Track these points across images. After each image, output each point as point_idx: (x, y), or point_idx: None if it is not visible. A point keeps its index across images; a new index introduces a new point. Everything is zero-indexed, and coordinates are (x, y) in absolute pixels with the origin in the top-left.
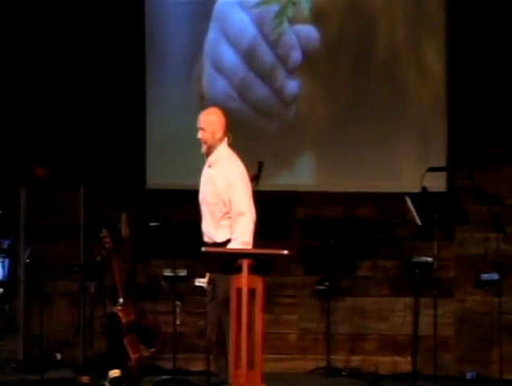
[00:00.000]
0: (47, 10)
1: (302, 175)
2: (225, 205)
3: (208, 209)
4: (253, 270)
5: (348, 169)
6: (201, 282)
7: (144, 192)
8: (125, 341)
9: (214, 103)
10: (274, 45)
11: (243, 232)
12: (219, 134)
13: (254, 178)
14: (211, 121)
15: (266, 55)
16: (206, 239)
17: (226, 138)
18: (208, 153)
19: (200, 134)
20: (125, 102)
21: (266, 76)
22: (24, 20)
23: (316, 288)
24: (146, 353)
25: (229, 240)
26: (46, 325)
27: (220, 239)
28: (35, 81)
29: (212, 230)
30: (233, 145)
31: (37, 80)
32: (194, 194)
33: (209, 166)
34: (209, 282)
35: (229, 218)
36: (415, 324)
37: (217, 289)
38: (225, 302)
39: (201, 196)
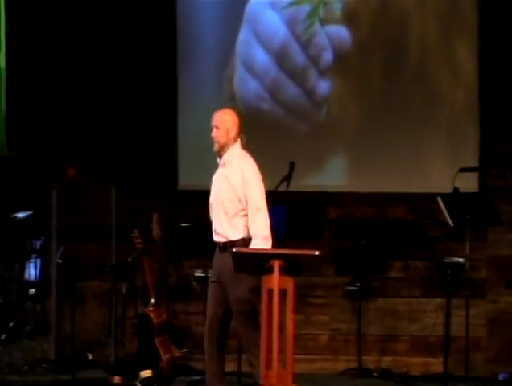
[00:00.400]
0: (80, 12)
1: (333, 176)
2: (240, 202)
3: (221, 207)
4: (284, 271)
5: (380, 169)
6: None
7: (175, 193)
8: (157, 341)
9: (245, 103)
10: (305, 45)
11: (263, 227)
12: (233, 133)
13: (285, 179)
14: (225, 120)
15: (298, 56)
16: (217, 238)
17: (239, 139)
18: (221, 153)
19: (213, 132)
20: (156, 103)
21: (297, 77)
22: (56, 21)
23: (348, 288)
24: (177, 353)
25: (242, 239)
26: (77, 325)
27: (234, 237)
28: (66, 82)
29: (226, 227)
30: (246, 147)
31: (68, 81)
32: None
33: (223, 166)
34: (214, 281)
35: (244, 216)
36: (447, 325)
37: (232, 291)
38: (241, 304)
39: (213, 196)
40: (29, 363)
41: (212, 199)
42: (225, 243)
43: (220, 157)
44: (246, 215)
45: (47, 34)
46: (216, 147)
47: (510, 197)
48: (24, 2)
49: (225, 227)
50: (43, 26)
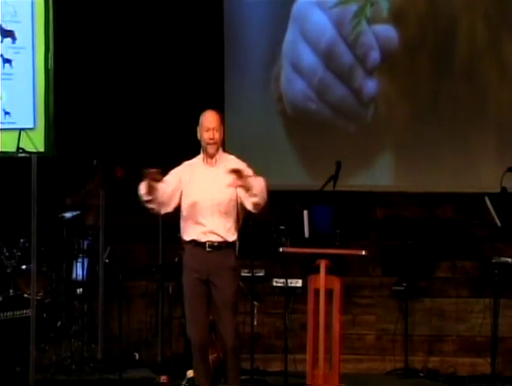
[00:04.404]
0: (127, 11)
1: (380, 176)
2: (237, 198)
3: (221, 207)
4: (330, 271)
5: (427, 169)
6: (280, 283)
7: None
8: None
9: (292, 103)
10: (352, 45)
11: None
12: (222, 135)
13: (332, 179)
14: (220, 122)
15: (345, 56)
16: (211, 237)
17: None
18: (212, 157)
19: (211, 134)
20: (203, 103)
21: (344, 77)
22: (104, 22)
23: (394, 289)
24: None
25: (235, 241)
26: (125, 325)
27: (232, 238)
28: (114, 83)
29: (229, 228)
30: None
31: (116, 82)
32: (272, 194)
33: (213, 164)
34: (200, 279)
35: (236, 217)
36: (495, 325)
37: (225, 291)
38: (234, 304)
39: (200, 195)
40: (76, 363)
41: (198, 197)
42: (220, 242)
43: (210, 157)
44: (238, 218)
45: (95, 35)
46: (213, 149)
47: None
48: (73, 2)
49: (227, 229)
50: (91, 27)
